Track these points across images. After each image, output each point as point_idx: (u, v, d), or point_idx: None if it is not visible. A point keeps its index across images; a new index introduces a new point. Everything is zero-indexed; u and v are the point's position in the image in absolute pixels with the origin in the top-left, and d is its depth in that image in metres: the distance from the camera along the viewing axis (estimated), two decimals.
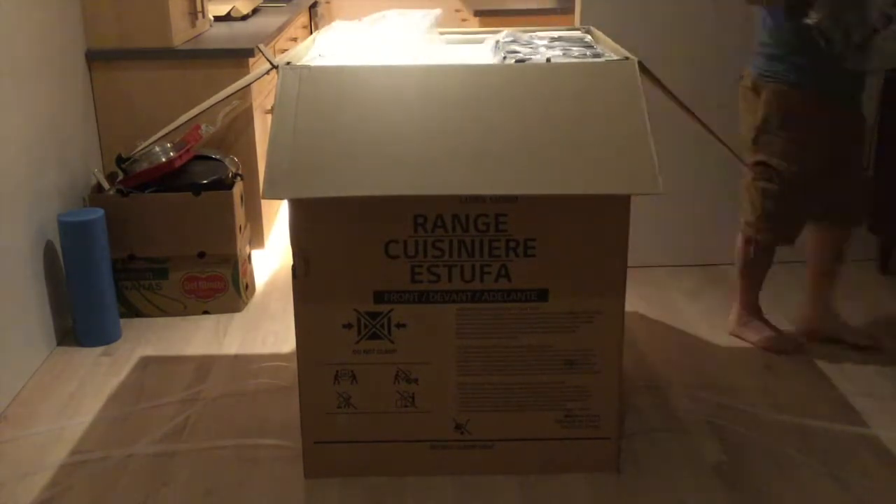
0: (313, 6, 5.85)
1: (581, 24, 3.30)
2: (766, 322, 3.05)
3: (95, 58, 3.47)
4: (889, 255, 3.59)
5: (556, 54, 2.43)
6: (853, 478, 2.33)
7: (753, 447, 2.46)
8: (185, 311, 3.31)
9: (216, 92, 2.73)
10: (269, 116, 2.88)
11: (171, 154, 3.25)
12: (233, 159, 3.46)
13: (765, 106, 2.76)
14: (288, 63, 2.21)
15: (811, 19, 2.55)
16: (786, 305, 3.31)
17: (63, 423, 2.62)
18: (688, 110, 2.50)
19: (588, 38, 2.76)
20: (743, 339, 3.05)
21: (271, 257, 3.87)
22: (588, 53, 2.44)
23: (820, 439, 2.50)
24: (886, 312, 3.26)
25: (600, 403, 2.30)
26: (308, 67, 2.22)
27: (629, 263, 2.21)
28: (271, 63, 2.29)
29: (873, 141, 3.56)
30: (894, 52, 2.57)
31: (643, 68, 2.23)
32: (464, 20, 5.70)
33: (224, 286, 3.32)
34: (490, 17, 5.02)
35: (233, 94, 2.66)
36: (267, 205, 3.79)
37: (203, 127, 3.42)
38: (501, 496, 2.28)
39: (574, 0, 3.56)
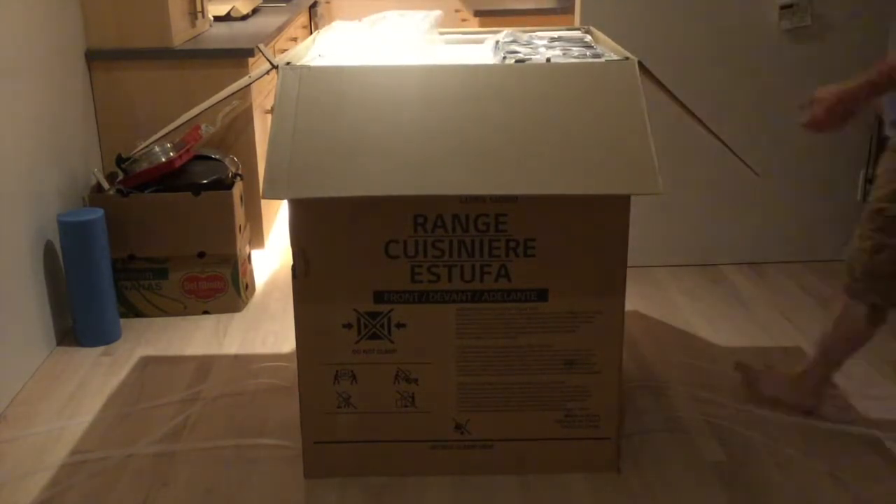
0: (313, 6, 5.85)
1: (581, 24, 3.30)
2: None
3: (95, 58, 3.47)
4: None
5: (555, 54, 2.43)
6: (853, 478, 2.33)
7: (753, 447, 2.46)
8: (185, 311, 3.31)
9: (216, 92, 2.73)
10: (269, 116, 2.88)
11: (171, 154, 3.25)
12: (233, 159, 3.46)
13: None
14: (288, 63, 2.21)
15: None
16: (783, 304, 3.32)
17: (63, 423, 2.62)
18: (688, 110, 2.50)
19: (588, 38, 2.76)
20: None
21: (271, 257, 3.87)
22: (588, 53, 2.44)
23: (820, 439, 2.50)
24: None
25: (600, 403, 2.30)
26: (308, 67, 2.22)
27: (629, 263, 2.21)
28: (271, 63, 2.29)
29: (873, 145, 3.56)
30: None
31: (643, 68, 2.23)
32: (464, 20, 5.71)
33: (224, 286, 3.32)
34: (490, 17, 5.03)
35: (233, 94, 2.65)
36: (267, 205, 3.79)
37: (203, 127, 3.42)
38: (501, 496, 2.28)
39: (574, 0, 3.57)
